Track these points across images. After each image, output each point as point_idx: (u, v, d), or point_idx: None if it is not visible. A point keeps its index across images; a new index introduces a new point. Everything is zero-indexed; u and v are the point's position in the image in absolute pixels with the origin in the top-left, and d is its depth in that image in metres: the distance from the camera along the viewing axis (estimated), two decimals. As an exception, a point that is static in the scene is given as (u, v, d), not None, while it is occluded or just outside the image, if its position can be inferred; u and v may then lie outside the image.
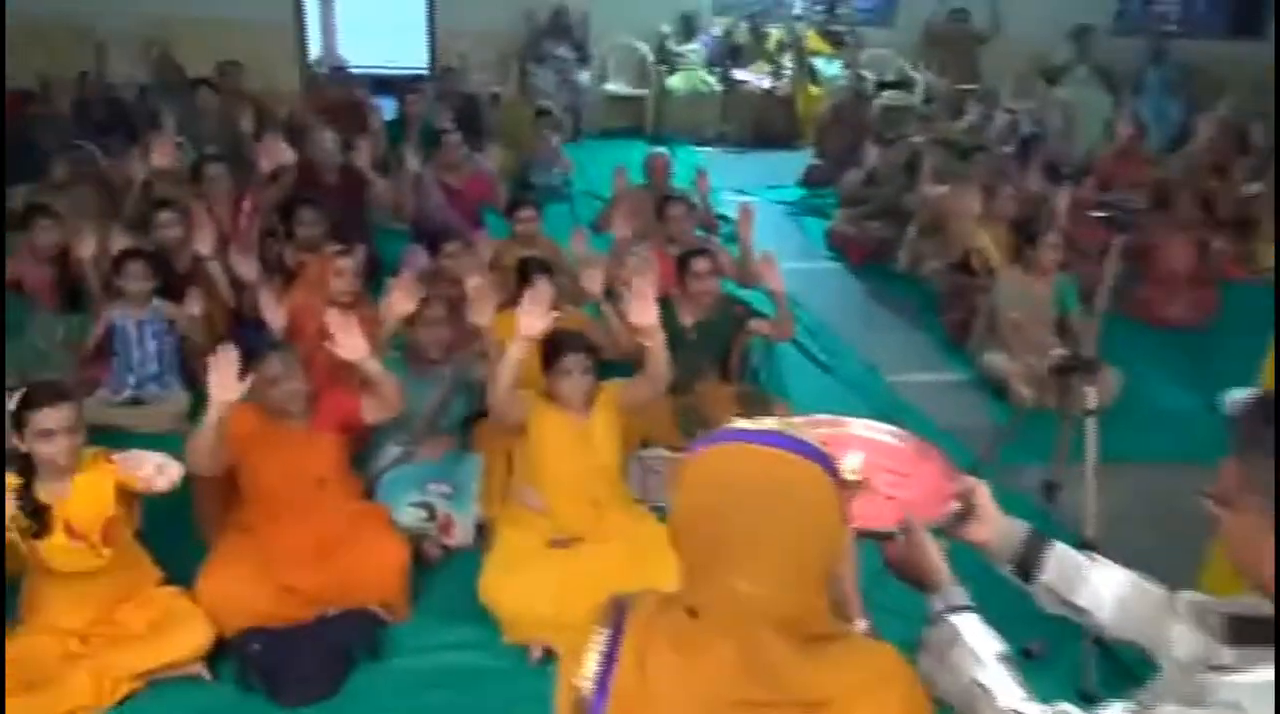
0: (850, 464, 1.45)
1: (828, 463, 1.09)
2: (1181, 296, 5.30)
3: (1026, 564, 1.43)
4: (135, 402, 4.01)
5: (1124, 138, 6.85)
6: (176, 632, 2.65)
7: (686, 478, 1.10)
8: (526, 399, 3.08)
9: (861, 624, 1.34)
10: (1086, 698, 2.48)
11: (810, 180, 7.96)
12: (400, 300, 3.38)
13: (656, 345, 2.90)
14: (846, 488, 1.13)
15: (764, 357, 4.40)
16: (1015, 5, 9.19)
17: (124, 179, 5.16)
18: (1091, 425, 2.76)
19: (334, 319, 2.93)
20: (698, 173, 5.65)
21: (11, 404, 2.51)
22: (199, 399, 3.96)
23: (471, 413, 3.69)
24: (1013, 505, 1.51)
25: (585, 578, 2.83)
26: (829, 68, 9.62)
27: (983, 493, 1.46)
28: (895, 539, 1.38)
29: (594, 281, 3.83)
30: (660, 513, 3.25)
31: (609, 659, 1.11)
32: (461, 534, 3.27)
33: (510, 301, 3.94)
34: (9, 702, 2.39)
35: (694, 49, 9.64)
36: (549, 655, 2.83)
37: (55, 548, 2.49)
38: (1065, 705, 1.14)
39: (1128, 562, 1.45)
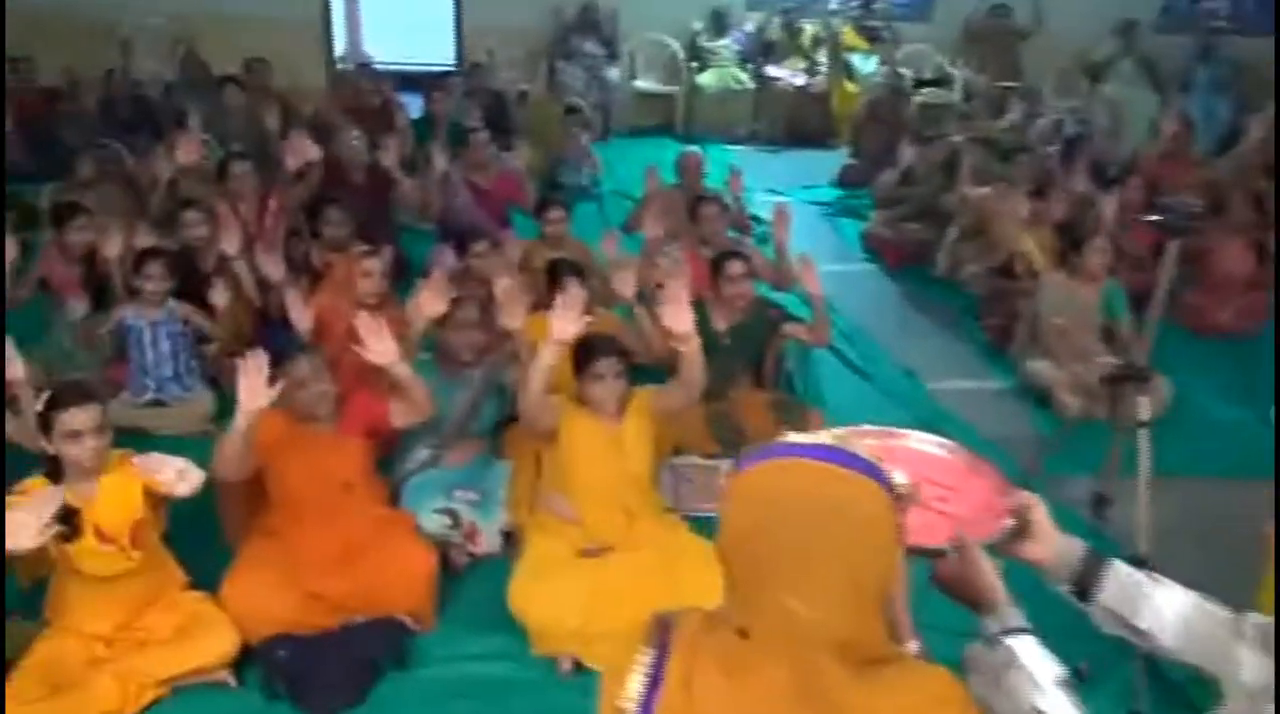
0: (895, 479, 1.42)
1: (883, 478, 1.07)
2: (1233, 303, 5.21)
3: (1085, 584, 1.40)
4: (158, 403, 4.04)
5: (1171, 138, 6.75)
6: (202, 637, 2.67)
7: (736, 494, 1.09)
8: (558, 404, 3.07)
9: (913, 645, 1.32)
10: (1138, 720, 2.45)
11: (845, 180, 7.92)
12: (431, 301, 3.37)
13: (692, 351, 2.89)
14: (900, 503, 1.11)
15: (799, 362, 4.37)
16: (1058, 0, 9.10)
17: (150, 177, 5.21)
18: (1144, 438, 2.72)
19: (363, 322, 2.93)
20: (731, 172, 5.62)
21: (39, 405, 2.54)
22: (223, 400, 4.02)
23: (502, 417, 3.69)
24: (1060, 520, 1.48)
25: (616, 588, 2.83)
26: (865, 64, 9.55)
27: (1039, 509, 1.43)
28: (947, 557, 1.35)
29: (626, 284, 3.82)
30: (692, 522, 3.24)
31: (654, 680, 1.10)
32: (487, 542, 3.28)
33: (540, 304, 3.96)
34: (34, 707, 2.42)
35: (726, 45, 9.61)
36: (579, 667, 2.82)
37: (85, 551, 2.52)
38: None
39: (1176, 579, 1.42)
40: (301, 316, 3.76)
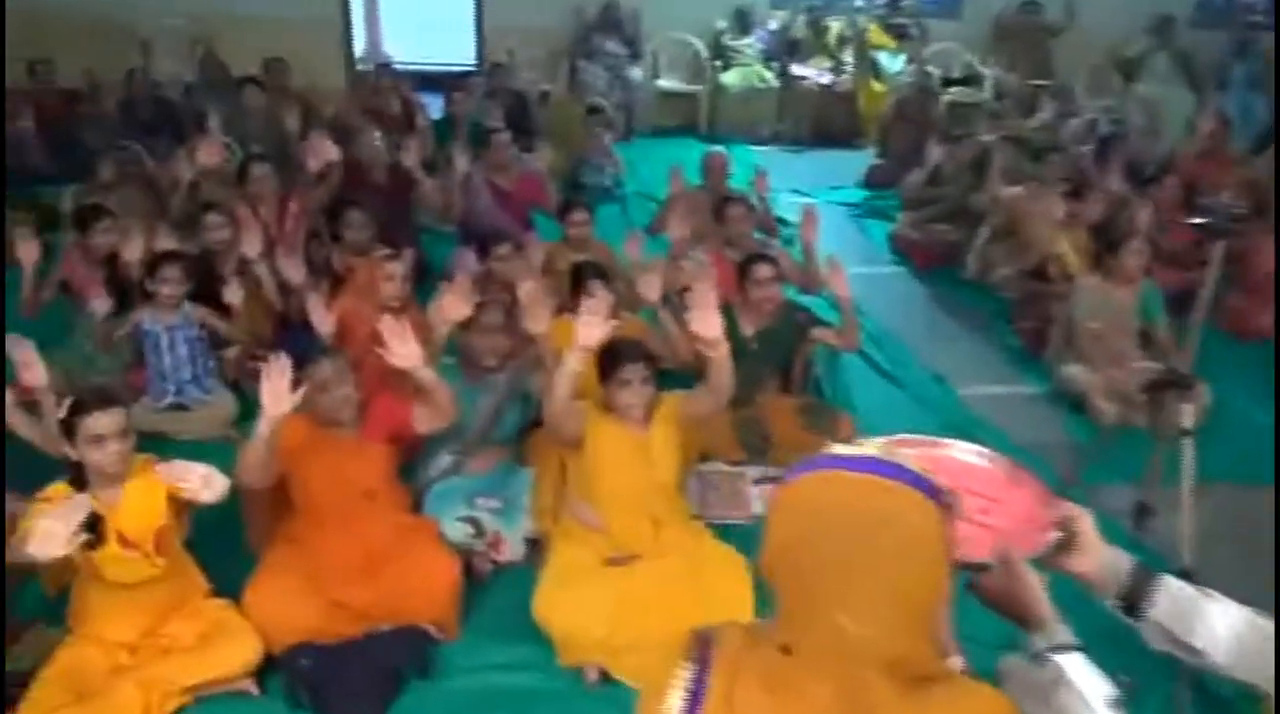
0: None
1: (931, 490, 1.06)
2: (1274, 305, 5.15)
3: (1134, 599, 1.38)
4: (178, 407, 4.07)
5: (1208, 136, 6.68)
6: (226, 645, 2.68)
7: (781, 506, 1.08)
8: (583, 410, 3.06)
9: (956, 660, 1.30)
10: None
11: (872, 181, 7.89)
12: (455, 306, 3.37)
13: (720, 356, 2.87)
14: (947, 515, 1.10)
15: (827, 367, 4.36)
16: (1090, -4, 9.05)
17: (170, 179, 5.25)
18: (1189, 446, 2.68)
19: (387, 325, 2.93)
20: (757, 173, 5.61)
21: (62, 411, 2.57)
22: (244, 404, 4.04)
23: (525, 424, 3.69)
24: (1099, 530, 1.46)
25: (642, 598, 2.83)
26: (892, 63, 9.53)
27: (1084, 521, 1.42)
28: (991, 571, 1.34)
29: (651, 288, 3.82)
30: (718, 530, 3.23)
31: (694, 697, 1.09)
32: (511, 550, 3.27)
33: (564, 307, 3.96)
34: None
35: (750, 43, 9.60)
36: (605, 678, 2.81)
37: (109, 558, 2.53)
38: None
39: (1217, 588, 1.40)
40: (323, 320, 3.77)
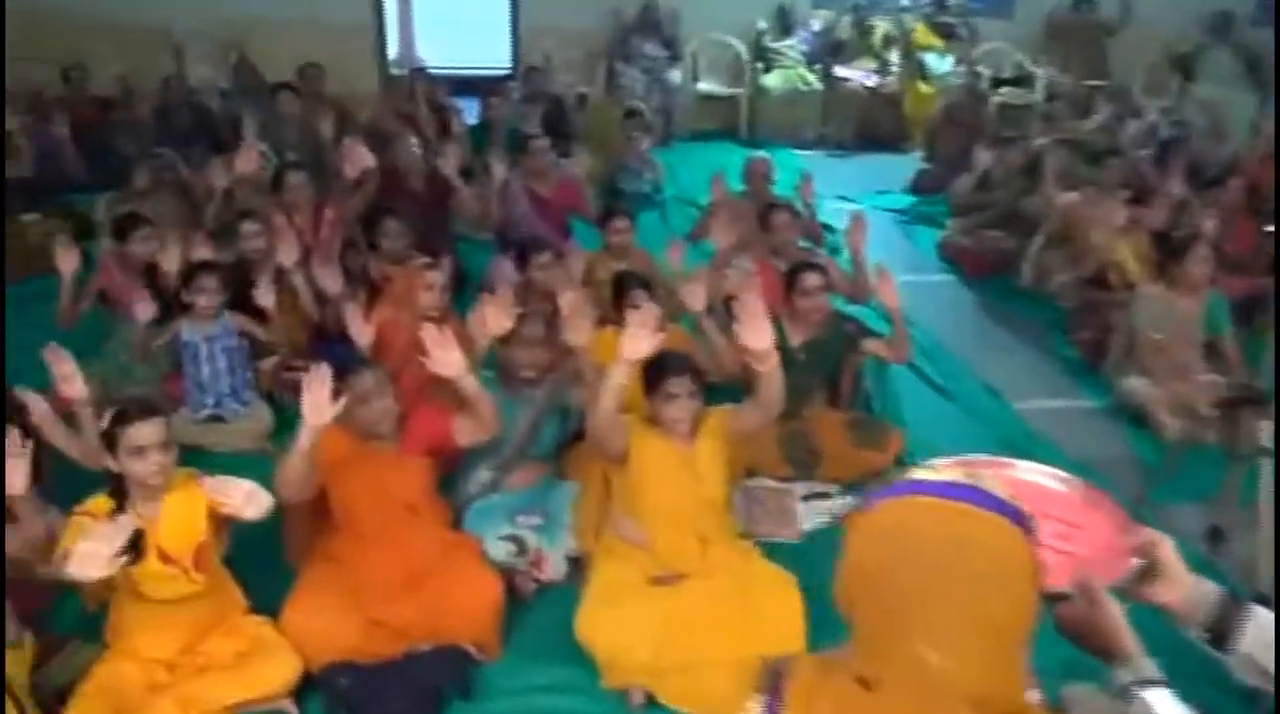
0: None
1: (1018, 515, 1.04)
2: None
3: (1221, 630, 1.35)
4: (216, 419, 4.11)
5: (1272, 138, 6.57)
6: (264, 664, 2.69)
7: (861, 534, 1.06)
8: (628, 424, 3.05)
9: (1033, 694, 1.27)
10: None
11: (920, 186, 7.84)
12: (496, 318, 3.36)
13: (771, 370, 2.84)
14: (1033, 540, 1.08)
15: (877, 379, 4.32)
16: (1147, -7, 8.95)
17: (204, 187, 5.32)
18: (1267, 465, 2.62)
19: (429, 333, 2.94)
20: (802, 178, 5.58)
21: (104, 422, 2.60)
22: (282, 416, 4.08)
23: (565, 437, 3.68)
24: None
25: (689, 618, 2.81)
26: (940, 64, 9.47)
27: (1167, 547, 1.39)
28: (1070, 600, 1.31)
29: (697, 298, 3.80)
30: (764, 548, 3.20)
31: (767, 730, 1.07)
32: (553, 568, 3.27)
33: (605, 319, 3.95)
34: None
35: (792, 45, 9.59)
36: (651, 701, 2.80)
37: (148, 573, 2.55)
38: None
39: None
40: (361, 331, 3.80)
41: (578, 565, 3.26)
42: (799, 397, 3.79)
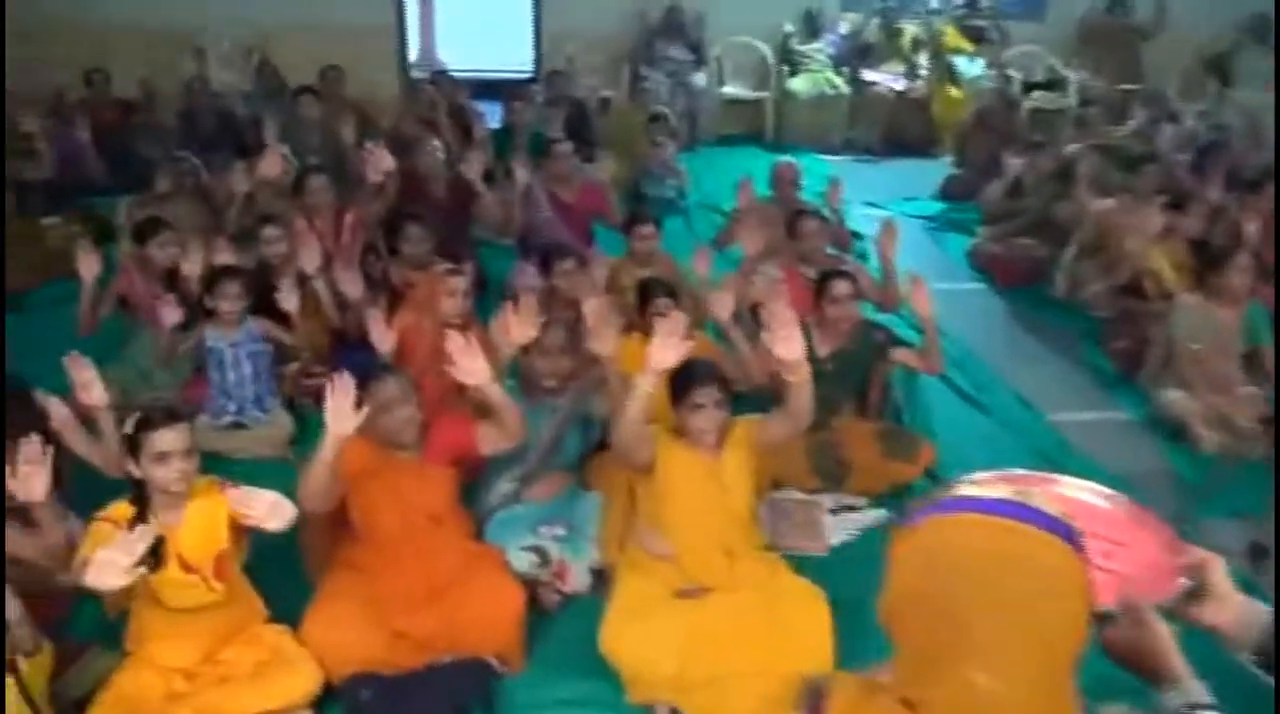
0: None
1: (1068, 533, 1.02)
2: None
3: (1272, 653, 1.33)
4: (237, 426, 4.12)
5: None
6: (284, 674, 2.69)
7: (907, 553, 1.05)
8: (653, 435, 3.04)
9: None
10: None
11: (950, 192, 7.80)
12: (520, 326, 3.34)
13: (801, 380, 2.83)
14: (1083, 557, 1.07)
15: (906, 390, 4.30)
16: (1182, -5, 8.88)
17: (225, 191, 5.35)
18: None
19: (453, 340, 2.94)
20: (830, 183, 5.57)
21: (127, 427, 2.61)
22: (303, 423, 4.09)
23: (588, 447, 3.68)
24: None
25: (714, 632, 2.80)
26: (970, 67, 9.42)
27: (1217, 567, 1.37)
28: (1116, 620, 1.29)
29: (724, 306, 3.79)
30: (790, 561, 3.18)
31: (806, 750, 1.06)
32: (576, 580, 3.26)
33: (629, 326, 3.95)
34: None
35: (819, 48, 9.56)
36: (677, 716, 2.79)
37: (168, 581, 2.57)
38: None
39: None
40: (383, 337, 3.80)
41: (601, 577, 3.25)
42: (827, 407, 3.77)
